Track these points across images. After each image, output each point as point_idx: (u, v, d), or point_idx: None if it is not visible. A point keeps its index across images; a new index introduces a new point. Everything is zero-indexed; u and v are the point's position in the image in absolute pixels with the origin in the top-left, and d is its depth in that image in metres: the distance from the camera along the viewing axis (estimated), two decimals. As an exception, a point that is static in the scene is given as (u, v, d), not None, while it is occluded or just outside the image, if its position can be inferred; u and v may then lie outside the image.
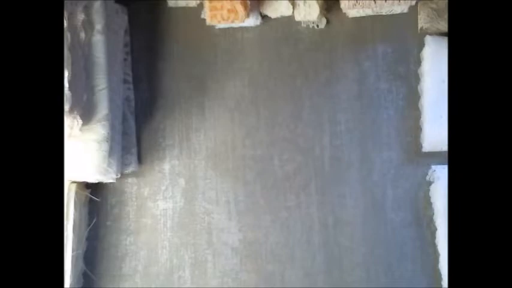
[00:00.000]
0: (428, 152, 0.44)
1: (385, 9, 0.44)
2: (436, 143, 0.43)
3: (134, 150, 0.47)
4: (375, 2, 0.42)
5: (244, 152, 0.46)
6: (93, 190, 0.46)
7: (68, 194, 0.43)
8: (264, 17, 0.46)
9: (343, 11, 0.44)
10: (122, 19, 0.46)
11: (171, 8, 0.48)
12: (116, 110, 0.44)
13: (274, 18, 0.46)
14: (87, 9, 0.41)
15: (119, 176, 0.45)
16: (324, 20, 0.46)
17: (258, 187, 0.45)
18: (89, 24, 0.41)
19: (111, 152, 0.42)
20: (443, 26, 0.43)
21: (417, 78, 0.45)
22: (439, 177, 0.42)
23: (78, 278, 0.44)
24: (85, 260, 0.45)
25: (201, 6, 0.47)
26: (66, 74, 0.36)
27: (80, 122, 0.39)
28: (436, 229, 0.43)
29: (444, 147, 0.43)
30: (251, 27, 0.47)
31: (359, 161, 0.46)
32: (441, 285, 0.43)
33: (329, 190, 0.45)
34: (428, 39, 0.44)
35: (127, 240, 0.46)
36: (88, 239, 0.46)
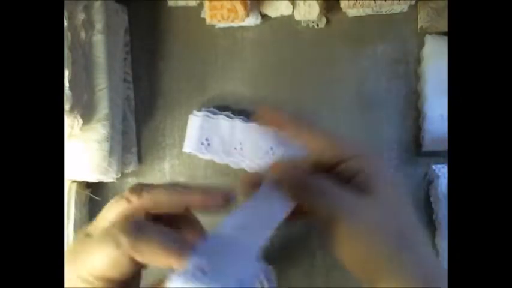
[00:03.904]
0: (428, 151, 0.44)
1: (385, 9, 0.44)
2: (436, 143, 0.43)
3: (134, 149, 0.47)
4: (375, 2, 0.42)
5: (244, 151, 0.46)
6: (93, 189, 0.46)
7: (69, 193, 0.43)
8: (264, 16, 0.46)
9: (343, 10, 0.44)
10: (122, 19, 0.46)
11: (171, 7, 0.48)
12: (116, 110, 0.44)
13: (274, 18, 0.46)
14: (87, 9, 0.41)
15: (119, 175, 0.45)
16: (324, 20, 0.46)
17: (258, 187, 0.45)
18: (89, 24, 0.41)
19: (111, 152, 0.42)
20: (443, 25, 0.43)
21: (417, 78, 0.45)
22: (439, 176, 0.42)
23: (79, 277, 0.44)
24: (85, 260, 0.45)
25: (201, 5, 0.47)
26: (66, 73, 0.36)
27: (80, 121, 0.39)
28: (436, 229, 0.43)
29: (444, 147, 0.43)
30: (251, 26, 0.47)
31: (359, 160, 0.45)
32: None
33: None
34: (428, 38, 0.44)
35: (127, 240, 0.46)
36: (88, 238, 0.46)
